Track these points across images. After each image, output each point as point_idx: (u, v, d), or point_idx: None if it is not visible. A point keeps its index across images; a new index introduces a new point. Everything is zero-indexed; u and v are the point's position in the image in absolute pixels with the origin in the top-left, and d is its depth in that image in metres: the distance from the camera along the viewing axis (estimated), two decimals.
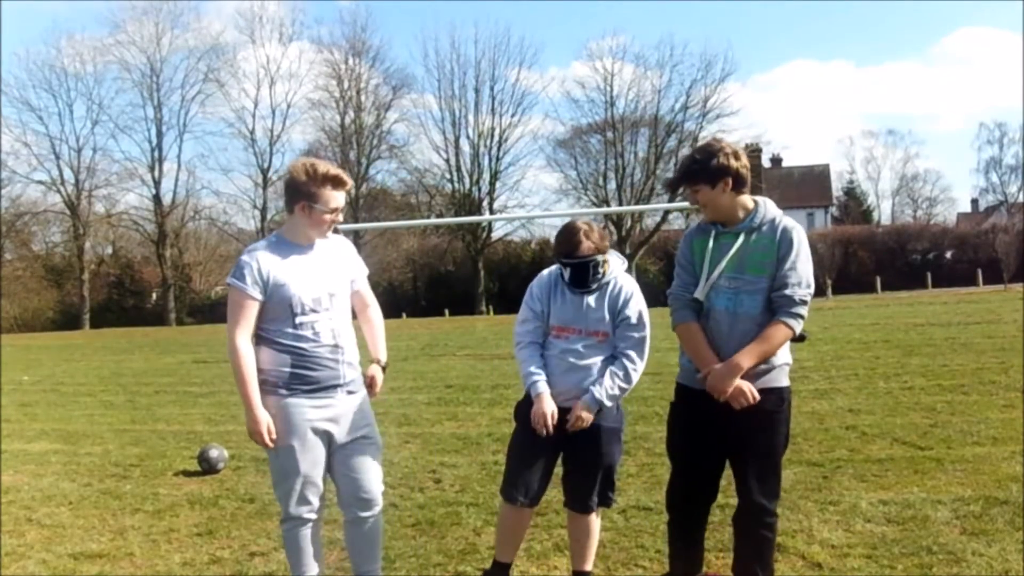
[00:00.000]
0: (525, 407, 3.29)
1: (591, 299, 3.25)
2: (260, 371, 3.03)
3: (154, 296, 45.24)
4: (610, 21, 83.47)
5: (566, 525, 3.58)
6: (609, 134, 41.96)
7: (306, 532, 3.17)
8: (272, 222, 44.32)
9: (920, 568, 3.54)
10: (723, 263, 2.92)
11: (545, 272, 3.40)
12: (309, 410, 3.06)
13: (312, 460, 3.09)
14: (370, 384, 3.29)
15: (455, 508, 4.72)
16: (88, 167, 43.03)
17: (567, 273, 3.24)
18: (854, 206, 57.05)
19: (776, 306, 2.88)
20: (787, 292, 2.86)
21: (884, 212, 58.51)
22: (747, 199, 2.98)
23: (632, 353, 3.22)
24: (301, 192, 3.02)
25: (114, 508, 5.07)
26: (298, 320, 3.03)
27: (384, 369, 3.35)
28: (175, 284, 43.35)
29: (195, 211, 45.59)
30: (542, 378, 3.21)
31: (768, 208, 2.98)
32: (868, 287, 33.95)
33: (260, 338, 3.06)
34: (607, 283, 3.26)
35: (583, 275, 3.21)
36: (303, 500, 3.11)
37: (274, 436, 3.01)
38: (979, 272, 33.18)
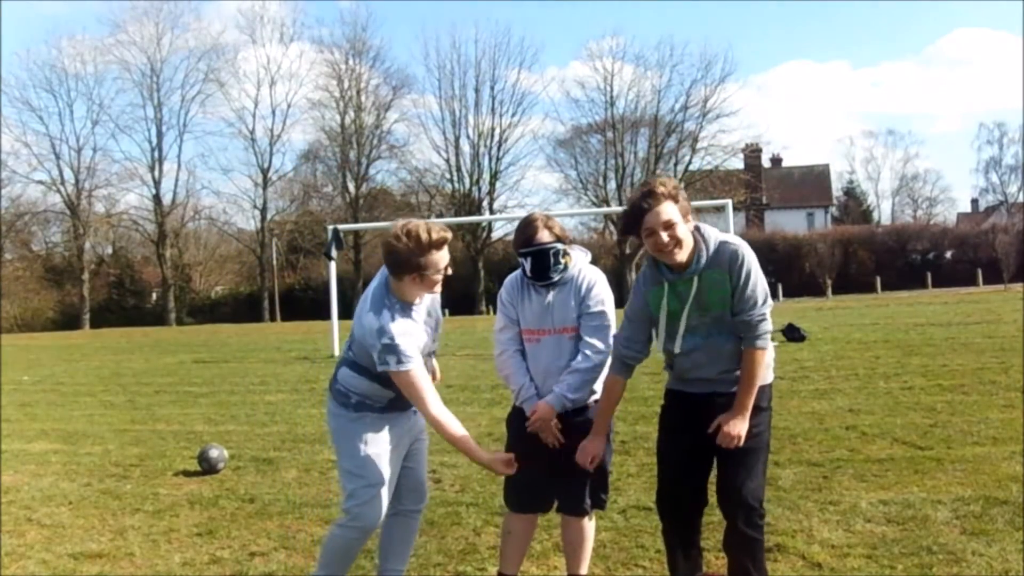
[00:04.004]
0: (517, 419, 3.27)
1: (558, 295, 3.19)
2: (362, 395, 3.09)
3: (154, 296, 45.30)
4: (610, 21, 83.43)
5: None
6: (609, 134, 41.93)
7: (358, 542, 3.16)
8: (272, 222, 44.38)
9: (920, 568, 3.54)
10: (686, 312, 2.94)
11: (509, 277, 3.34)
12: (403, 423, 3.18)
13: (394, 471, 3.15)
14: (432, 375, 3.34)
15: (455, 508, 4.72)
16: (88, 167, 43.09)
17: (528, 264, 3.16)
18: (854, 206, 57.08)
19: (740, 333, 2.93)
20: (745, 318, 2.90)
21: (884, 212, 58.62)
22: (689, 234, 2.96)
23: (591, 340, 3.14)
24: (409, 265, 2.98)
25: (114, 508, 5.07)
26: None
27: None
28: (175, 284, 43.38)
29: (195, 211, 45.66)
30: (534, 393, 3.18)
31: (709, 239, 2.93)
32: (868, 287, 33.97)
33: (364, 369, 3.06)
34: (572, 276, 3.20)
35: (543, 264, 3.13)
36: (375, 512, 3.12)
37: (514, 465, 3.03)
38: (979, 272, 33.21)
